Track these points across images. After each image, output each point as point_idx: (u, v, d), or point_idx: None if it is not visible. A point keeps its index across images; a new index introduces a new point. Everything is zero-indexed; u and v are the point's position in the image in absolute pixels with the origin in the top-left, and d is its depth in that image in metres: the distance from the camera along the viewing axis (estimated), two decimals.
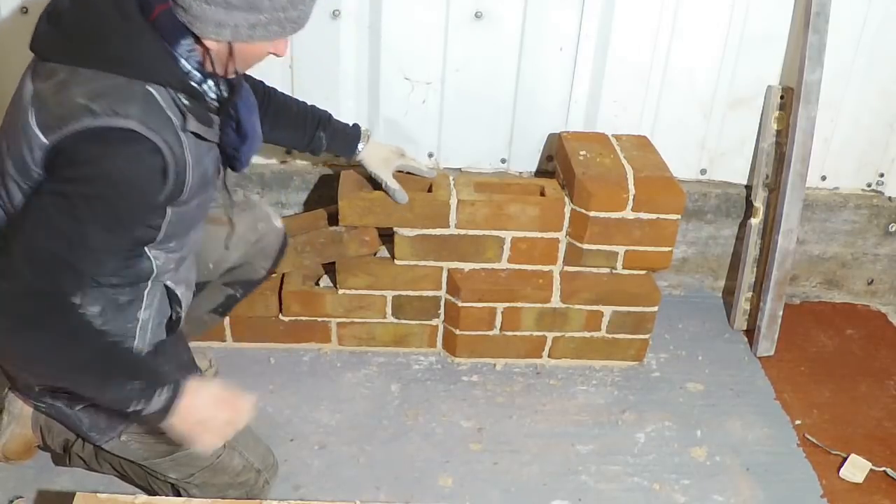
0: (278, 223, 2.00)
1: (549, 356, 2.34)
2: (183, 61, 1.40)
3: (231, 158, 1.57)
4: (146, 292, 1.60)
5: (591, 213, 2.12)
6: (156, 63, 1.36)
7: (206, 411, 1.45)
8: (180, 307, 1.68)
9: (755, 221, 2.47)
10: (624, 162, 2.21)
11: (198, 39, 1.38)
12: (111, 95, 1.31)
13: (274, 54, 1.45)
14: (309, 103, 2.04)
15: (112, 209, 1.35)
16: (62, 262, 1.34)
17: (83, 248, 1.35)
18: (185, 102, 1.40)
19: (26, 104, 1.36)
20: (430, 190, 2.17)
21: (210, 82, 1.47)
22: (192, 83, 1.42)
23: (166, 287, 1.64)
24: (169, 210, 1.48)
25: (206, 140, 1.47)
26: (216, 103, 1.49)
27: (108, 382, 1.40)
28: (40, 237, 1.32)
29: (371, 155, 2.10)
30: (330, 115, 2.05)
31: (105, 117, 1.29)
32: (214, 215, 1.90)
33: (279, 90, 2.00)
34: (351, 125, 2.09)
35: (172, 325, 1.70)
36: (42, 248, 1.33)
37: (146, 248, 1.54)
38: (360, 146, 2.08)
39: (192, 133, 1.42)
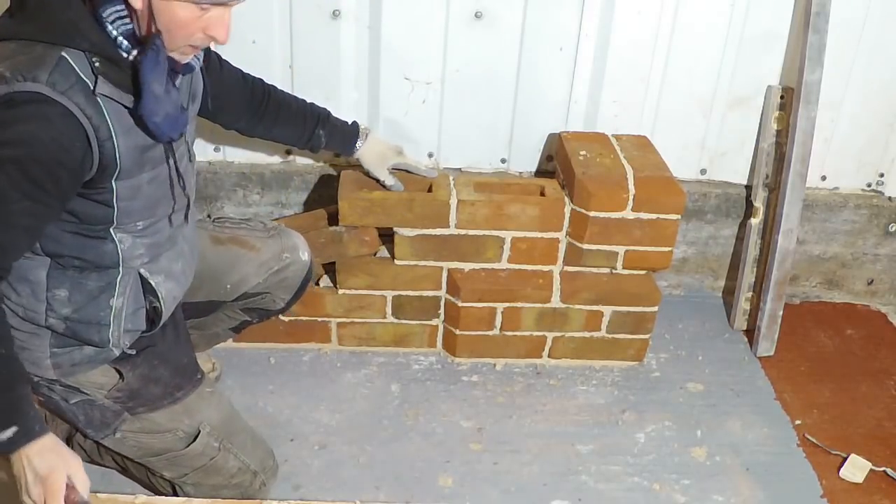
0: (305, 256, 1.95)
1: (549, 356, 2.34)
2: (109, 27, 1.36)
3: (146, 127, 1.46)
4: (118, 279, 1.55)
5: (591, 213, 2.12)
6: (70, 28, 1.33)
7: (29, 474, 1.34)
8: (157, 298, 1.61)
9: (755, 221, 2.47)
10: (624, 162, 2.21)
11: (128, 4, 1.34)
12: (25, 62, 1.31)
13: (212, 38, 1.38)
14: (308, 101, 2.04)
15: (26, 173, 1.31)
16: None
17: (5, 215, 1.31)
18: (98, 66, 1.35)
19: None
20: (430, 190, 2.17)
21: (136, 52, 1.39)
22: (119, 50, 1.37)
23: (140, 275, 1.58)
24: (115, 184, 1.44)
25: (125, 106, 1.40)
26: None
27: None
28: None
29: (367, 152, 2.11)
30: (329, 112, 2.06)
31: (15, 82, 1.29)
32: (237, 236, 1.90)
33: (279, 88, 2.00)
34: (350, 123, 2.10)
35: (152, 316, 1.64)
36: None
37: (111, 230, 1.50)
38: (358, 144, 2.09)
39: (110, 98, 1.37)
